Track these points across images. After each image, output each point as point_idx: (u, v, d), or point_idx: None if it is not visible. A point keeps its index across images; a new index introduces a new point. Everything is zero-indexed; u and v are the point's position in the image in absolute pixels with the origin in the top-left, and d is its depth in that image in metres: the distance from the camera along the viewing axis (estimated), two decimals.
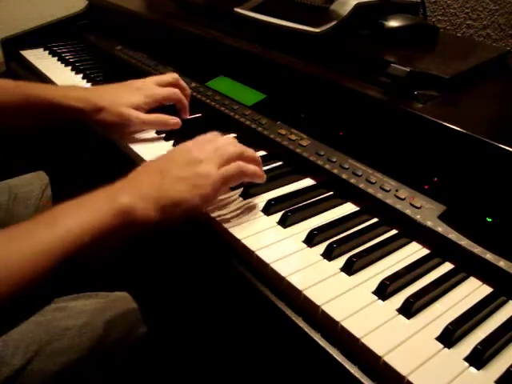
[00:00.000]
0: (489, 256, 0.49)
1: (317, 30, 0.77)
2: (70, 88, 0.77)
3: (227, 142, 0.59)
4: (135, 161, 0.70)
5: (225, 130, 0.76)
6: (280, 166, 0.68)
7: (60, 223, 0.45)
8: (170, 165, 0.55)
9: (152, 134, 0.76)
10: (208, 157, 0.56)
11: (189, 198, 0.52)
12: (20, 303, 0.43)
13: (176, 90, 0.78)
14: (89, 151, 0.94)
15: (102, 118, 0.73)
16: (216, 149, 0.57)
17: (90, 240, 0.45)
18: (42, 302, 0.48)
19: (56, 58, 1.14)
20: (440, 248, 0.53)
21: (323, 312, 0.45)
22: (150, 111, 0.77)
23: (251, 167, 0.58)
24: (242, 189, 0.62)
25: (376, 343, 0.41)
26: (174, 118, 0.75)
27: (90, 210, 0.47)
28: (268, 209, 0.58)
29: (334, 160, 0.64)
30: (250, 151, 0.59)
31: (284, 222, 0.56)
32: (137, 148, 0.72)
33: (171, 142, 0.73)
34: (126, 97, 0.74)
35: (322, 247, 0.53)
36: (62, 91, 0.75)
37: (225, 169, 0.55)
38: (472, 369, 0.40)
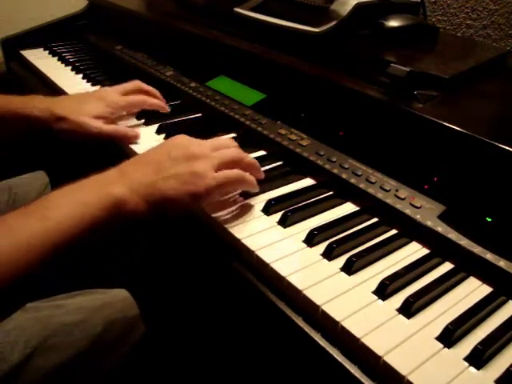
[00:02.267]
0: (489, 256, 0.49)
1: (317, 30, 0.77)
2: (32, 98, 0.77)
3: (228, 143, 0.59)
4: None
5: (225, 130, 0.76)
6: (280, 165, 0.68)
7: (52, 216, 0.45)
8: (166, 160, 0.53)
9: (153, 133, 0.76)
10: (206, 155, 0.55)
11: (181, 197, 0.52)
12: (9, 295, 0.43)
13: (140, 97, 0.79)
14: (89, 151, 0.94)
15: (61, 127, 0.73)
16: (215, 147, 0.57)
17: (81, 231, 0.46)
18: (31, 292, 0.49)
19: (56, 58, 1.14)
20: (440, 248, 0.53)
21: (323, 312, 0.45)
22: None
23: (250, 178, 0.57)
24: None
25: (376, 343, 0.41)
26: (133, 130, 0.76)
27: (81, 203, 0.47)
28: (268, 209, 0.58)
29: (334, 160, 0.64)
30: (249, 157, 0.59)
31: (284, 222, 0.56)
32: (137, 148, 0.72)
33: None
34: (88, 106, 0.75)
35: (321, 247, 0.53)
36: (23, 101, 0.75)
37: (224, 174, 0.54)
38: (472, 369, 0.40)
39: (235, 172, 0.55)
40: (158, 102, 0.81)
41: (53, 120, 0.73)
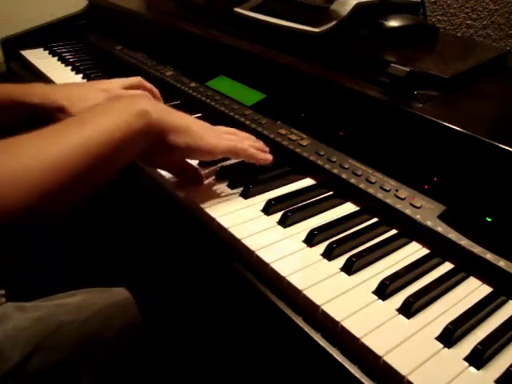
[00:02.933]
0: (489, 256, 0.49)
1: (317, 30, 0.77)
2: (32, 86, 0.76)
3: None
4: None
5: None
6: (280, 165, 0.68)
7: (90, 123, 0.49)
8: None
9: None
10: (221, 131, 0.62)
11: (197, 132, 0.57)
12: (43, 202, 0.44)
13: (142, 92, 0.79)
14: None
15: (59, 116, 0.73)
16: (230, 132, 0.63)
17: (118, 138, 0.49)
18: (62, 207, 0.49)
19: (56, 58, 1.14)
20: (440, 248, 0.53)
21: (323, 312, 0.45)
22: None
23: (261, 154, 0.63)
24: (242, 189, 0.62)
25: (376, 343, 0.41)
26: None
27: (114, 112, 0.51)
28: (268, 209, 0.58)
29: (334, 160, 0.64)
30: (260, 142, 0.65)
31: (284, 222, 0.56)
32: None
33: None
34: (90, 97, 0.74)
35: (321, 247, 0.53)
36: (23, 88, 0.74)
37: (236, 142, 0.60)
38: (472, 368, 0.40)
39: (248, 145, 0.61)
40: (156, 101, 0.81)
41: (53, 109, 0.72)
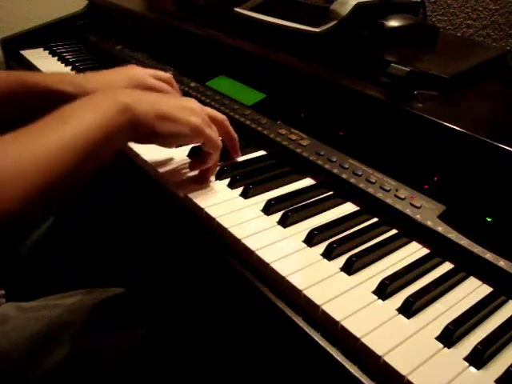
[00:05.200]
0: (489, 256, 0.49)
1: (317, 30, 0.77)
2: (64, 74, 0.76)
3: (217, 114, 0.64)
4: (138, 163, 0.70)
5: None
6: (280, 165, 0.68)
7: (71, 121, 0.48)
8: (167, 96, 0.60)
9: None
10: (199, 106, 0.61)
11: (182, 122, 0.56)
12: (37, 201, 0.44)
13: (168, 87, 0.77)
14: None
15: None
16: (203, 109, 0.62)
17: (100, 134, 0.49)
18: (54, 204, 0.50)
19: (56, 58, 1.15)
20: (440, 248, 0.53)
21: (323, 312, 0.45)
22: None
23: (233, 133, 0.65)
24: (242, 189, 0.62)
25: (376, 343, 0.41)
26: None
27: (96, 108, 0.51)
28: (268, 209, 0.58)
29: (334, 160, 0.64)
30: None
31: (284, 222, 0.56)
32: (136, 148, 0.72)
33: None
34: (120, 84, 0.73)
35: (321, 247, 0.53)
36: (56, 77, 0.74)
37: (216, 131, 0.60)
38: (472, 368, 0.40)
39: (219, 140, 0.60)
40: None
41: (84, 96, 0.72)
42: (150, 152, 0.69)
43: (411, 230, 0.55)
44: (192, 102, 0.61)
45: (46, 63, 1.11)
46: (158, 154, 0.67)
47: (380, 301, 0.46)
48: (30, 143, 0.45)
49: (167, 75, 0.79)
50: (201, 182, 0.62)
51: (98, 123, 0.49)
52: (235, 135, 0.66)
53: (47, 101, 0.72)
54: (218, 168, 0.64)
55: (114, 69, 0.78)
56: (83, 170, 0.49)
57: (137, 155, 0.69)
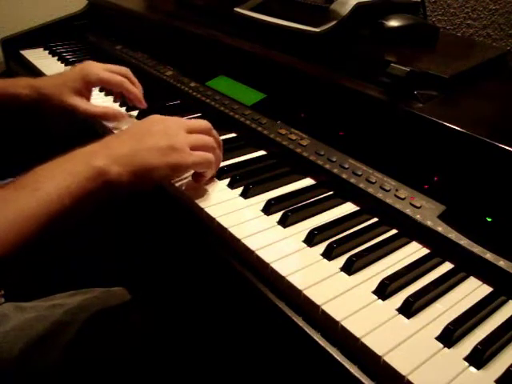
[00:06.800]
0: (489, 256, 0.49)
1: (317, 30, 0.77)
2: (18, 79, 0.78)
3: (202, 125, 0.62)
4: None
5: (225, 130, 0.76)
6: (280, 165, 0.68)
7: (42, 187, 0.47)
8: (146, 133, 0.57)
9: None
10: (183, 133, 0.58)
11: (161, 167, 0.55)
12: (7, 261, 0.44)
13: (120, 78, 0.79)
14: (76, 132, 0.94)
15: (47, 106, 0.74)
16: (190, 127, 0.60)
17: (70, 201, 0.48)
18: (20, 263, 0.51)
19: (56, 58, 1.15)
20: (440, 248, 0.53)
21: (323, 312, 0.45)
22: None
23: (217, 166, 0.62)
24: (242, 189, 0.62)
25: (376, 343, 0.41)
26: (122, 112, 0.78)
27: (68, 174, 0.50)
28: (268, 209, 0.58)
29: (334, 160, 0.64)
30: (218, 150, 0.62)
31: (284, 222, 0.56)
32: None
33: None
34: (72, 84, 0.75)
35: (321, 247, 0.53)
36: (11, 82, 0.76)
37: (199, 154, 0.58)
38: (472, 368, 0.40)
39: (208, 156, 0.59)
40: (136, 91, 0.80)
41: (41, 100, 0.73)
42: None
43: (411, 230, 0.55)
44: (172, 135, 0.57)
45: (46, 63, 1.11)
46: None
47: (380, 301, 0.46)
48: (2, 208, 0.45)
49: (123, 68, 0.80)
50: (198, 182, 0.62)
51: (68, 190, 0.48)
52: (220, 141, 0.64)
53: (3, 106, 0.74)
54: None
55: (65, 71, 0.81)
56: (60, 228, 0.49)
57: None
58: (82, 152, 0.53)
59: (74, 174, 0.50)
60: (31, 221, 0.45)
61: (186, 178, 0.63)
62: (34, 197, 0.46)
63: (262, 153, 0.72)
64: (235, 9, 0.90)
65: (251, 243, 0.52)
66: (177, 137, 0.57)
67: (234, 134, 0.76)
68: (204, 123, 0.62)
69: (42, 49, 1.21)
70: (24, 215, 0.45)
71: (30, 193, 0.47)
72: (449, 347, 0.42)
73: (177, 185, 0.63)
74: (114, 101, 0.87)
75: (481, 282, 0.50)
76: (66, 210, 0.48)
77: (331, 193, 0.63)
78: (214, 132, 0.62)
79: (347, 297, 0.46)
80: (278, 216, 0.57)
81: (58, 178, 0.49)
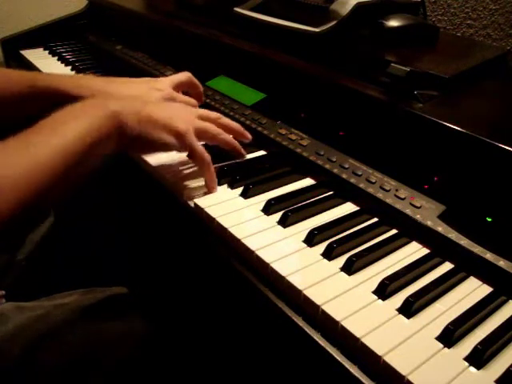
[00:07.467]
0: (489, 256, 0.49)
1: (317, 30, 0.77)
2: (78, 77, 0.77)
3: (210, 115, 0.65)
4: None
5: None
6: (280, 165, 0.68)
7: (60, 130, 0.49)
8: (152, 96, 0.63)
9: None
10: (194, 114, 0.62)
11: (166, 126, 0.58)
12: (24, 214, 0.45)
13: (189, 100, 0.75)
14: None
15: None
16: (201, 116, 0.63)
17: (88, 142, 0.50)
18: (48, 206, 0.54)
19: (56, 58, 1.15)
20: (440, 248, 0.53)
21: (323, 312, 0.45)
22: None
23: (227, 137, 0.65)
24: (242, 188, 0.62)
25: (376, 343, 0.41)
26: None
27: (85, 116, 0.52)
28: (268, 209, 0.58)
29: (334, 160, 0.64)
30: (233, 123, 0.67)
31: (284, 222, 0.56)
32: None
33: None
34: (136, 92, 0.73)
35: (321, 247, 0.53)
36: (70, 80, 0.74)
37: (205, 124, 0.61)
38: (472, 368, 0.40)
39: (205, 154, 0.60)
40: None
41: None
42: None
43: (411, 230, 0.55)
44: (182, 111, 0.62)
45: (46, 63, 1.11)
46: (159, 155, 0.67)
47: (380, 301, 0.46)
48: (19, 154, 0.46)
49: (184, 76, 0.77)
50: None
51: (86, 131, 0.50)
52: (237, 124, 0.68)
53: (62, 104, 0.72)
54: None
55: (128, 80, 0.76)
56: (73, 177, 0.50)
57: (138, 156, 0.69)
58: (93, 100, 0.57)
59: (91, 114, 0.53)
60: (55, 159, 0.47)
61: (186, 178, 0.63)
62: (53, 137, 0.48)
63: (261, 153, 0.72)
64: (235, 9, 0.90)
65: (251, 243, 0.52)
66: (186, 114, 0.61)
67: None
68: (214, 114, 0.66)
69: (42, 49, 1.21)
70: (47, 154, 0.46)
71: (50, 135, 0.48)
72: (449, 347, 0.42)
73: (177, 184, 0.63)
74: None
75: (481, 282, 0.50)
76: (85, 149, 0.50)
77: (331, 193, 0.63)
78: (225, 119, 0.66)
79: (347, 297, 0.46)
80: (278, 216, 0.57)
81: (77, 122, 0.51)
